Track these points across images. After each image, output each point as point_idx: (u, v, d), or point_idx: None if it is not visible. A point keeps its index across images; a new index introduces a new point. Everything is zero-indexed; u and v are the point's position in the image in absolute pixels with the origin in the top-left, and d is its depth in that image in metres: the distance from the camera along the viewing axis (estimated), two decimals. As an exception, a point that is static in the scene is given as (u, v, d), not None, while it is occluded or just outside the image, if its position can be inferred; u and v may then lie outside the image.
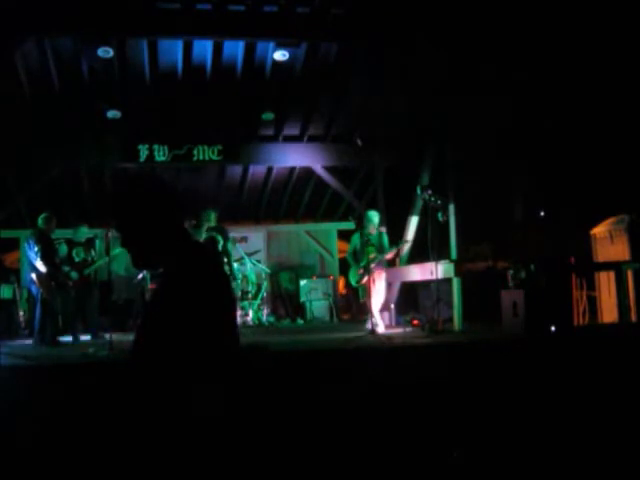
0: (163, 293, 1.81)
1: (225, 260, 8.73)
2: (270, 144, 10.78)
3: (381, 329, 8.30)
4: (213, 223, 8.75)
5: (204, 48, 8.82)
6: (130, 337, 1.99)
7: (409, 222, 10.53)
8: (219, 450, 1.69)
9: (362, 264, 8.41)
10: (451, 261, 8.54)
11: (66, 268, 8.32)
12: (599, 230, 7.96)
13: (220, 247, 8.65)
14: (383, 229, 9.90)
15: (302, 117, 10.42)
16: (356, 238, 8.64)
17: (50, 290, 7.85)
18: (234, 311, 1.93)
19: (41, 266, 7.77)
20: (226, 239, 8.77)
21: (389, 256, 8.67)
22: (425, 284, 9.55)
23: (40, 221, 8.07)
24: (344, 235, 12.62)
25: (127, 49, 8.70)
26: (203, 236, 8.57)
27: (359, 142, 10.70)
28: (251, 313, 10.52)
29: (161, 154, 10.07)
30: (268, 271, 11.84)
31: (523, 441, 3.75)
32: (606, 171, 9.73)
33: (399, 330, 8.82)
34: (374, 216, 8.56)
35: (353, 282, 8.81)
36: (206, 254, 1.96)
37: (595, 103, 9.28)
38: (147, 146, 10.03)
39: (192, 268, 1.80)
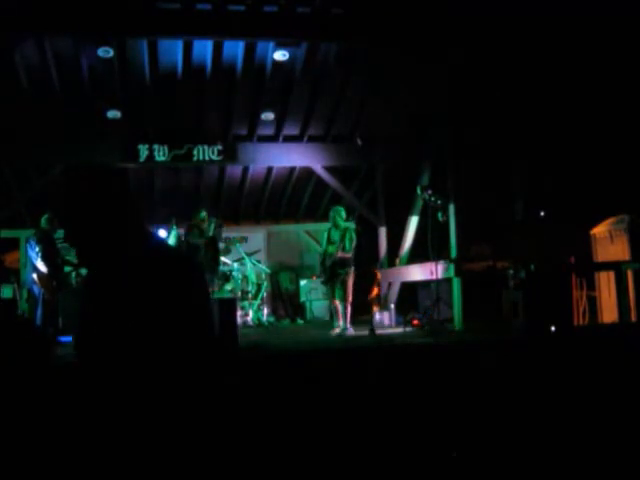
0: (101, 293, 1.73)
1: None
2: (270, 144, 10.77)
3: (351, 332, 8.26)
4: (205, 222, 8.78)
5: (204, 48, 8.82)
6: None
7: (409, 222, 10.54)
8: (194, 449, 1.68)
9: (326, 263, 8.40)
10: (451, 261, 8.55)
11: (67, 269, 8.32)
12: (599, 230, 7.96)
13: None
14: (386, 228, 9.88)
15: (302, 117, 10.41)
16: (324, 236, 8.64)
17: (51, 290, 7.86)
18: (198, 311, 1.81)
19: (42, 266, 7.78)
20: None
21: (345, 255, 8.30)
22: (425, 284, 9.55)
23: (43, 221, 8.09)
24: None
25: (127, 49, 8.69)
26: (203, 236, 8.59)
27: (359, 142, 10.70)
28: (251, 313, 10.53)
29: (161, 154, 10.06)
30: (268, 271, 11.84)
31: (523, 441, 3.75)
32: (606, 171, 9.73)
33: (399, 330, 8.83)
34: (332, 211, 8.52)
35: (321, 280, 8.86)
36: (169, 254, 1.89)
37: (595, 103, 9.28)
38: (147, 146, 10.02)
39: (146, 268, 1.73)
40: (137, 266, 1.75)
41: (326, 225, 13.21)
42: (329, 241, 8.42)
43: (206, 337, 1.80)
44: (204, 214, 8.92)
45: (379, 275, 11.37)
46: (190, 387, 1.71)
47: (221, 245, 10.27)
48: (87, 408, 1.68)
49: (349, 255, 8.32)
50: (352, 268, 8.33)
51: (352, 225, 9.86)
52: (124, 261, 1.76)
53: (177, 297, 1.74)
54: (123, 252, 1.77)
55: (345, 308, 8.28)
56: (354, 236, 8.34)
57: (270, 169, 11.48)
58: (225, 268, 10.39)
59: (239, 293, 10.49)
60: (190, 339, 1.74)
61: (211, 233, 8.89)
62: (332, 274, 8.32)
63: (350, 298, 8.32)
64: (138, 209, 1.84)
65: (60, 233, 8.54)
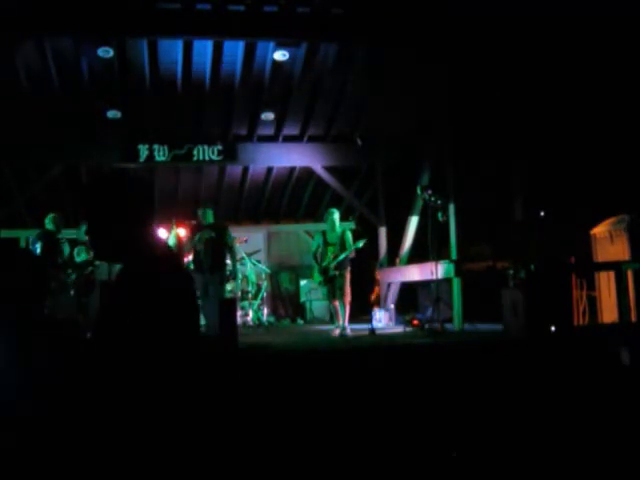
0: (126, 292, 1.85)
1: (227, 257, 8.62)
2: (270, 144, 10.77)
3: (349, 332, 8.26)
4: (211, 220, 8.65)
5: (204, 48, 8.82)
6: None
7: (409, 222, 10.55)
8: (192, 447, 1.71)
9: (324, 264, 8.40)
10: (451, 261, 8.55)
11: (69, 271, 8.30)
12: (599, 230, 7.95)
13: (229, 241, 8.50)
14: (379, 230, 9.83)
15: (302, 117, 10.41)
16: (318, 237, 8.62)
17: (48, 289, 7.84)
18: (196, 311, 1.98)
19: None
20: (226, 236, 8.58)
21: (351, 254, 8.44)
22: (425, 284, 9.55)
23: (47, 221, 8.10)
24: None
25: (127, 49, 8.70)
26: (204, 235, 8.49)
27: (359, 142, 10.70)
28: (251, 313, 10.53)
29: (161, 154, 10.06)
30: (268, 271, 11.84)
31: (523, 441, 3.75)
32: (606, 171, 9.73)
33: (399, 330, 8.83)
34: (332, 214, 8.52)
35: (316, 282, 8.82)
36: (171, 256, 2.03)
37: (595, 103, 9.28)
38: (147, 146, 10.02)
39: (157, 269, 1.86)
40: (148, 270, 1.87)
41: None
42: (327, 242, 8.42)
43: (196, 337, 1.92)
44: (211, 214, 8.70)
45: (378, 275, 11.38)
46: (185, 386, 1.75)
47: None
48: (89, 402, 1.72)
49: (350, 255, 8.38)
50: (349, 268, 8.37)
51: (349, 226, 9.85)
52: (139, 263, 1.87)
53: (178, 301, 1.84)
54: (138, 254, 1.88)
55: (344, 308, 8.29)
56: (350, 237, 8.39)
57: (270, 169, 11.48)
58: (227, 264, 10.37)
59: (239, 293, 10.48)
60: (184, 339, 1.83)
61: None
62: (331, 275, 8.34)
63: (349, 298, 8.34)
64: (153, 216, 1.99)
65: (65, 233, 8.52)
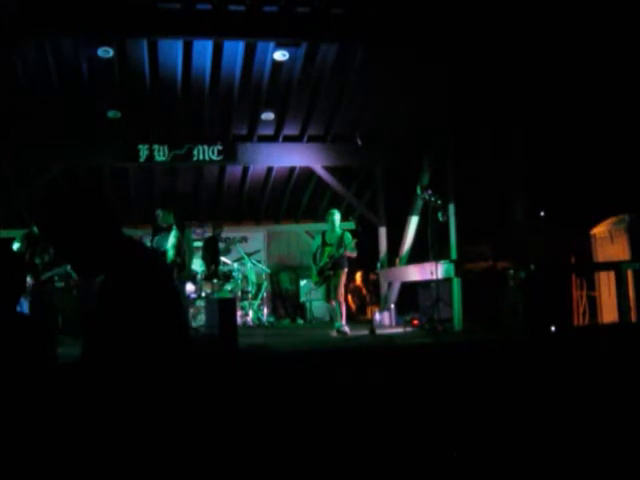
0: (110, 294, 1.86)
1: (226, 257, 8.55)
2: (270, 144, 10.77)
3: (346, 330, 8.24)
4: (171, 221, 8.40)
5: (204, 48, 8.81)
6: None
7: (409, 222, 10.55)
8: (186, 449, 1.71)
9: (321, 264, 8.41)
10: (451, 261, 8.55)
11: (62, 271, 8.25)
12: (599, 230, 7.96)
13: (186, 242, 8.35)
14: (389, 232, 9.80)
15: (302, 117, 10.41)
16: (318, 238, 8.65)
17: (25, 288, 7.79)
18: (178, 303, 2.01)
19: None
20: (182, 236, 8.32)
21: (352, 255, 8.43)
22: (425, 284, 9.55)
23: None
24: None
25: (127, 49, 8.69)
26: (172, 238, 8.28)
27: (359, 142, 10.69)
28: (251, 313, 10.53)
29: (161, 154, 10.07)
30: (268, 271, 11.84)
31: (522, 442, 3.75)
32: (606, 171, 9.74)
33: (399, 330, 8.83)
34: (333, 214, 8.53)
35: (313, 282, 8.84)
36: (146, 254, 2.05)
37: (595, 103, 9.29)
38: (147, 146, 10.03)
39: (134, 269, 1.88)
40: (129, 274, 1.88)
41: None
42: (325, 243, 8.45)
43: (183, 336, 1.97)
44: (170, 214, 8.52)
45: (378, 275, 11.37)
46: (180, 384, 1.76)
47: (221, 245, 10.27)
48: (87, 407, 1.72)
49: (352, 255, 8.41)
50: (345, 269, 8.39)
51: (349, 226, 9.82)
52: (118, 270, 1.88)
53: (162, 299, 1.87)
54: (115, 261, 1.89)
55: (340, 307, 8.31)
56: (349, 238, 8.39)
57: (270, 169, 11.48)
58: (225, 268, 10.38)
59: (239, 293, 10.49)
60: (171, 336, 1.85)
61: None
62: (326, 274, 8.36)
63: (342, 297, 8.37)
64: (115, 222, 1.99)
65: None
